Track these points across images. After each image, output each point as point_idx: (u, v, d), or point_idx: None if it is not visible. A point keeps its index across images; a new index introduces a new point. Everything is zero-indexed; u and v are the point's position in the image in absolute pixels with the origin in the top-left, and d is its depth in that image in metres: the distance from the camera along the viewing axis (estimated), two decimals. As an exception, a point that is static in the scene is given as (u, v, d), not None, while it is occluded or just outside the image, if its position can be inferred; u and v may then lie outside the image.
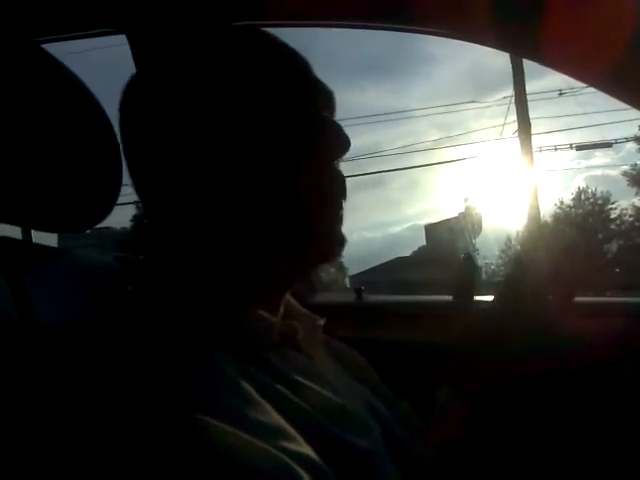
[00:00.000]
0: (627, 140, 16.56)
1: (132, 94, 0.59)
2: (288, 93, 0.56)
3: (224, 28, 0.60)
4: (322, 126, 0.58)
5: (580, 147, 14.45)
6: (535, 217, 10.52)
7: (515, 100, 10.98)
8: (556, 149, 14.30)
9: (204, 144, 0.53)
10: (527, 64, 10.15)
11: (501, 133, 13.33)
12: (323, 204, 0.56)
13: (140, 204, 0.61)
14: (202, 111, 0.54)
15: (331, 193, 0.58)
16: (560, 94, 14.02)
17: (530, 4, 0.72)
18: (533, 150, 10.99)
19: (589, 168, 34.01)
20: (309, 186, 0.55)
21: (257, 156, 0.54)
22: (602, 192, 21.01)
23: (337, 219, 0.59)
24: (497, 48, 0.86)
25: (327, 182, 0.57)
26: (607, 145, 14.48)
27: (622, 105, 0.80)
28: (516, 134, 11.09)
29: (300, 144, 0.55)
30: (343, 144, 0.58)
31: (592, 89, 0.81)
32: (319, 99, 0.60)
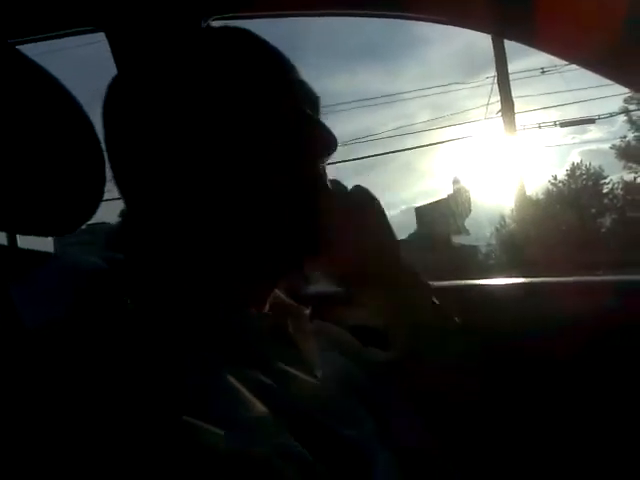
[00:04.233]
0: (611, 115, 16.58)
1: (115, 94, 0.59)
2: (271, 91, 0.56)
3: (208, 27, 0.60)
4: (310, 124, 0.58)
5: (564, 124, 14.48)
6: (522, 194, 10.59)
7: (497, 80, 11.03)
8: (540, 127, 14.34)
9: (188, 143, 0.53)
10: (509, 43, 10.18)
11: (485, 113, 13.34)
12: (308, 202, 0.57)
13: None
14: (186, 110, 0.54)
15: (315, 191, 0.58)
16: (542, 72, 14.05)
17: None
18: (517, 128, 11.06)
19: (585, 143, 34.07)
20: (294, 184, 0.55)
21: (241, 154, 0.54)
22: (594, 167, 21.05)
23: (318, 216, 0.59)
24: (489, 33, 0.87)
25: (313, 180, 0.57)
26: (590, 121, 14.51)
27: (606, 80, 0.81)
28: (499, 114, 11.15)
29: (284, 142, 0.55)
30: (332, 142, 0.59)
31: (575, 66, 0.82)
32: (304, 99, 0.60)
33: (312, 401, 0.51)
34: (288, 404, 0.48)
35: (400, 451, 0.56)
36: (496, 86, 11.07)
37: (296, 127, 0.56)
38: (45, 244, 0.75)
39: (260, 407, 0.44)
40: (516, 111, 11.00)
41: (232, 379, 0.46)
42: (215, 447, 0.38)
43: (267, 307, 0.61)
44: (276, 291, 0.65)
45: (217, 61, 0.56)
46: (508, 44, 10.32)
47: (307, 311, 0.65)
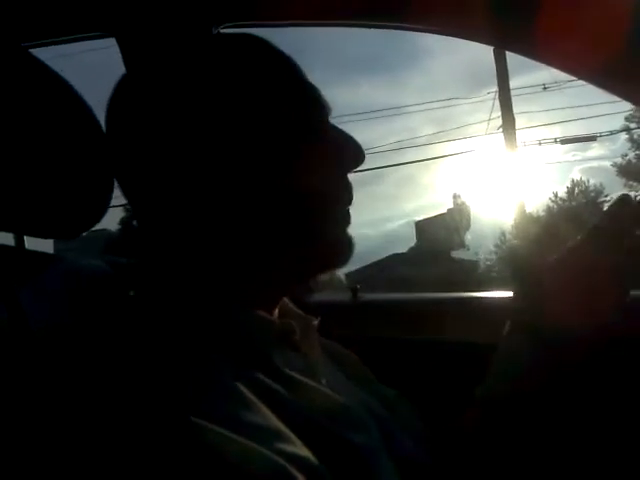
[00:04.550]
0: (611, 133, 16.61)
1: (123, 97, 0.59)
2: (282, 98, 0.56)
3: (219, 33, 0.60)
4: (334, 134, 0.59)
5: (565, 141, 14.51)
6: (522, 211, 10.59)
7: (499, 95, 11.04)
8: (540, 144, 14.37)
9: (201, 146, 0.53)
10: (512, 59, 10.23)
11: (486, 129, 13.38)
12: (328, 209, 0.57)
13: (129, 207, 0.61)
14: (195, 114, 0.54)
15: (338, 198, 0.59)
16: (544, 88, 14.09)
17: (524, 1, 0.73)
18: (518, 145, 11.07)
19: (586, 160, 34.01)
20: (312, 189, 0.55)
21: (254, 158, 0.54)
22: (594, 184, 21.02)
23: (343, 225, 0.59)
24: (492, 45, 0.87)
25: (334, 186, 0.58)
26: (591, 139, 14.54)
27: (611, 97, 0.81)
28: (500, 129, 11.16)
29: (302, 147, 0.56)
30: (360, 156, 0.60)
31: (579, 82, 0.82)
32: (318, 105, 0.60)
33: (319, 406, 0.51)
34: (295, 409, 0.48)
35: (401, 463, 0.56)
36: (497, 101, 11.09)
37: (307, 134, 0.56)
38: (45, 249, 0.75)
39: (266, 410, 0.44)
40: (517, 127, 11.02)
41: (238, 381, 0.45)
42: (219, 447, 0.38)
43: (276, 313, 0.61)
44: (285, 300, 0.65)
45: (228, 67, 0.56)
46: (510, 59, 10.37)
47: (315, 321, 0.64)
